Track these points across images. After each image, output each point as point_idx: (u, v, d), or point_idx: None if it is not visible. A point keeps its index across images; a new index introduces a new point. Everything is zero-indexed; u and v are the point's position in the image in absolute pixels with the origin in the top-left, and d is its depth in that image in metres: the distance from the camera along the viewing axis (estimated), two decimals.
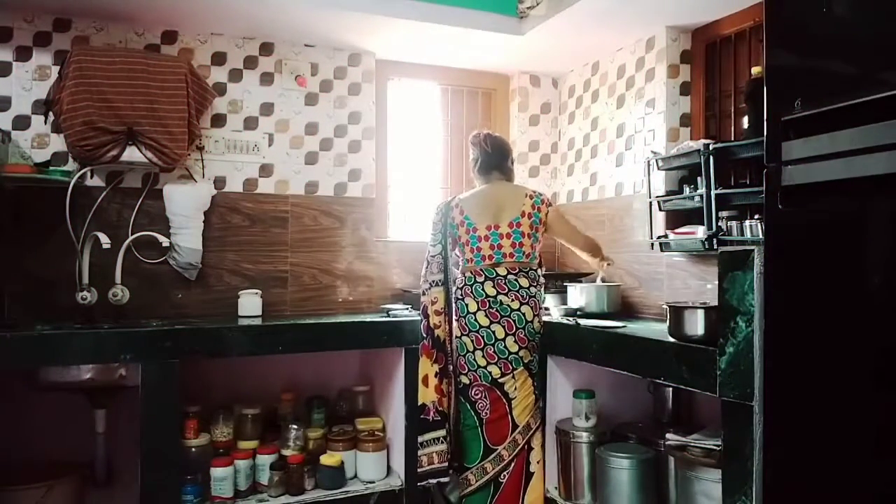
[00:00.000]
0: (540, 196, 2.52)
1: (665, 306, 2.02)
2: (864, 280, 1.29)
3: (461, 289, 2.45)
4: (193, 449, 2.48)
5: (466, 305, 2.42)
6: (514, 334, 2.38)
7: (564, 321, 2.49)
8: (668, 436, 2.15)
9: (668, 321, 1.98)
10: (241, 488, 2.52)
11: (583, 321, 2.44)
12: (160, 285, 2.77)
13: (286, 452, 2.60)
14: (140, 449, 2.22)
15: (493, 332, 2.38)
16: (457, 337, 2.45)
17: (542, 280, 2.51)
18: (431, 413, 2.44)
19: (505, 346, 2.37)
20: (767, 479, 1.52)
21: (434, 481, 2.47)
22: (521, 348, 2.38)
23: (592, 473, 2.37)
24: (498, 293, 2.40)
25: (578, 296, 2.77)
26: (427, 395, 2.45)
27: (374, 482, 2.67)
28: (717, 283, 1.65)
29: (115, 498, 2.53)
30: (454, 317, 2.47)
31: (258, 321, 2.66)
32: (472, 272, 2.44)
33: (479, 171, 2.59)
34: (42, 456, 2.46)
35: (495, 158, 2.57)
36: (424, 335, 2.49)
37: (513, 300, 2.40)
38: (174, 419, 2.31)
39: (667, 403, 2.52)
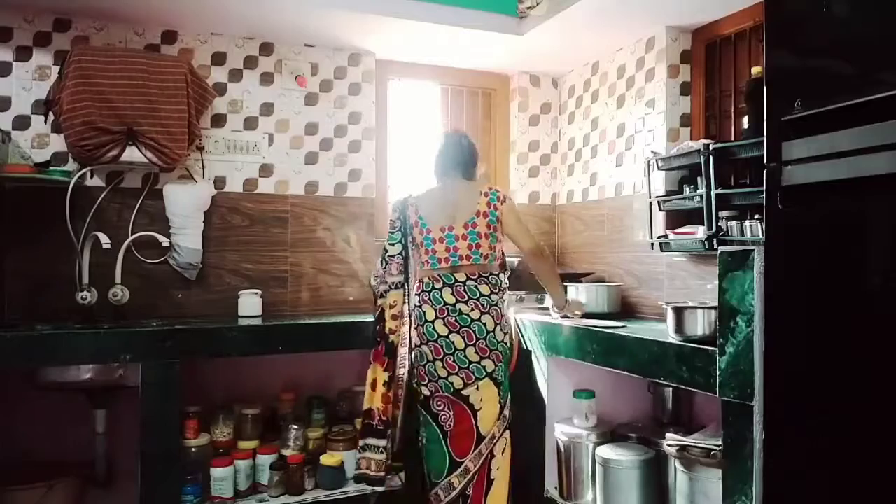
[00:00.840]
0: (496, 192, 2.39)
1: (665, 306, 2.02)
2: (865, 280, 1.29)
3: (419, 295, 2.35)
4: (193, 449, 2.48)
5: (424, 313, 2.31)
6: (474, 345, 2.26)
7: (564, 322, 2.49)
8: (668, 436, 2.15)
9: (668, 321, 1.98)
10: (241, 488, 2.52)
11: (582, 321, 2.44)
12: (160, 285, 2.77)
13: (286, 452, 2.60)
14: (140, 449, 2.22)
15: (453, 342, 2.26)
16: (416, 346, 2.36)
17: (504, 285, 2.41)
18: (376, 419, 2.38)
19: (465, 356, 2.26)
20: (767, 479, 1.52)
21: (370, 489, 2.45)
22: (482, 358, 2.27)
23: (592, 473, 2.37)
24: (457, 301, 2.28)
25: (578, 296, 2.77)
26: (374, 400, 2.39)
27: None
28: (717, 283, 1.65)
29: (115, 498, 2.53)
30: (413, 325, 2.38)
31: (258, 321, 2.66)
32: (429, 277, 2.34)
33: (443, 166, 2.46)
34: (42, 456, 2.46)
35: (453, 156, 2.45)
36: (378, 340, 2.41)
37: (472, 309, 2.27)
38: (174, 419, 2.31)
39: (667, 403, 2.52)
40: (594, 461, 2.34)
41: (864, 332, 1.29)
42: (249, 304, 2.79)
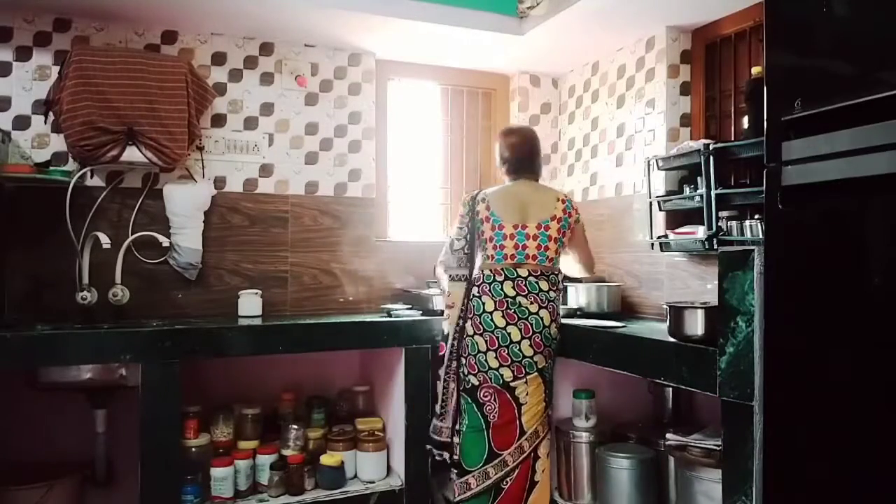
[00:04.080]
0: (571, 201, 2.46)
1: (665, 306, 2.02)
2: (864, 280, 1.29)
3: (479, 286, 2.37)
4: (193, 449, 2.48)
5: (483, 304, 2.34)
6: (529, 338, 2.30)
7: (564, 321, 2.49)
8: (668, 436, 2.15)
9: (668, 321, 1.98)
10: (241, 488, 2.52)
11: (582, 321, 2.44)
12: (160, 285, 2.77)
13: (286, 452, 2.60)
14: (140, 449, 2.22)
15: (509, 335, 2.30)
16: (468, 336, 2.36)
17: (561, 286, 2.47)
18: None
19: (520, 350, 2.30)
20: (767, 479, 1.52)
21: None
22: (536, 353, 2.31)
23: (592, 473, 2.37)
24: (517, 294, 2.33)
25: (578, 296, 2.77)
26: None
27: (374, 482, 2.66)
28: (717, 283, 1.65)
29: (115, 498, 2.53)
30: (468, 314, 2.38)
31: (258, 321, 2.66)
32: (491, 270, 2.37)
33: (516, 165, 2.50)
34: (42, 456, 2.46)
35: (524, 157, 2.50)
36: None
37: (531, 303, 2.32)
38: (174, 419, 2.31)
39: (667, 403, 2.52)
40: (594, 461, 2.34)
41: (864, 332, 1.29)
42: (249, 304, 2.79)
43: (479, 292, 2.36)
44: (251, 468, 2.56)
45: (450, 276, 2.46)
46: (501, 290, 2.34)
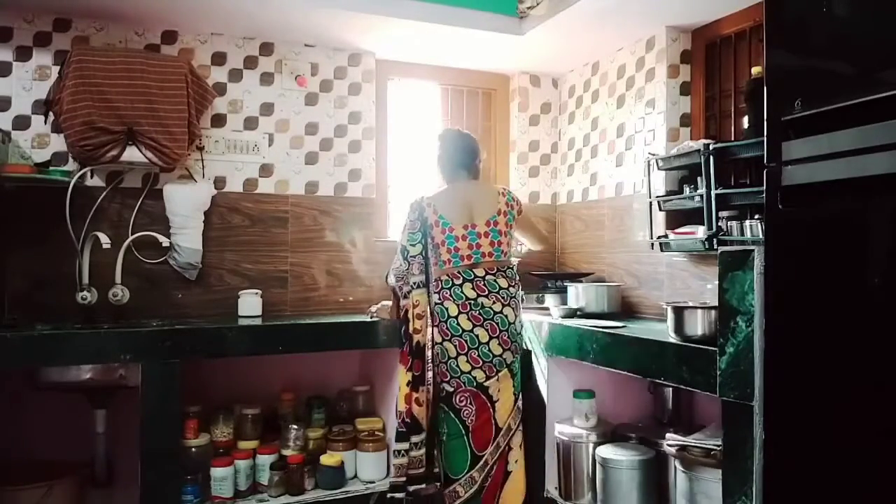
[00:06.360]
0: (511, 193, 2.53)
1: (665, 306, 2.02)
2: (865, 280, 1.29)
3: (439, 293, 2.37)
4: (193, 449, 2.49)
5: (447, 309, 2.34)
6: (497, 337, 2.33)
7: (564, 322, 2.49)
8: (668, 436, 2.15)
9: (668, 321, 1.98)
10: (241, 488, 2.52)
11: (582, 321, 2.44)
12: (160, 285, 2.77)
13: (286, 452, 2.60)
14: (140, 449, 2.22)
15: (477, 336, 2.32)
16: (437, 343, 2.37)
17: (518, 278, 2.47)
18: (400, 420, 2.36)
19: (489, 350, 2.32)
20: (767, 479, 1.52)
21: (399, 495, 2.34)
22: (504, 350, 2.34)
23: (592, 473, 2.36)
24: (478, 295, 2.34)
25: (578, 296, 2.77)
26: (399, 402, 2.37)
27: (374, 482, 2.67)
28: (717, 283, 1.65)
29: (115, 498, 2.53)
30: (433, 322, 2.38)
31: (258, 321, 2.66)
32: (448, 275, 2.37)
33: (450, 167, 2.53)
34: (42, 456, 2.46)
35: (461, 157, 2.52)
36: (403, 341, 2.40)
37: (494, 302, 2.34)
38: (174, 419, 2.31)
39: (667, 403, 2.52)
40: (594, 461, 2.34)
41: (864, 332, 1.29)
42: (249, 304, 2.79)
43: (440, 298, 2.37)
44: (251, 468, 2.56)
45: (412, 283, 2.40)
46: (462, 292, 2.34)
